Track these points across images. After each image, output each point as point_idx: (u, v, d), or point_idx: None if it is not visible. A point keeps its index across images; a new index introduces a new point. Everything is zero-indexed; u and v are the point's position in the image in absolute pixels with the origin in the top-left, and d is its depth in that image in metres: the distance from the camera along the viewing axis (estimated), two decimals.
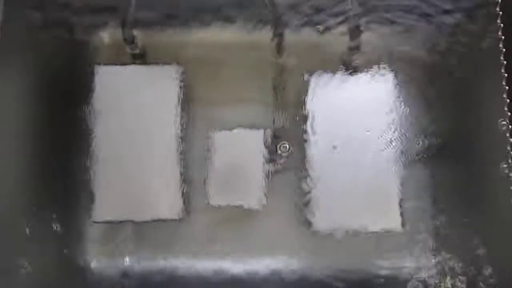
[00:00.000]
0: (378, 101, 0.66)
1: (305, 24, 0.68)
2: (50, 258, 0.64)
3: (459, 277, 0.62)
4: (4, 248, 0.58)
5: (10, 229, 0.60)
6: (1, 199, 0.59)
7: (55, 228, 0.64)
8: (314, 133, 0.66)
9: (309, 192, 0.65)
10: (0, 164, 0.59)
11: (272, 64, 0.69)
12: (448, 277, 0.63)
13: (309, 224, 0.64)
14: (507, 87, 0.59)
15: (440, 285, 0.63)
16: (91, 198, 0.64)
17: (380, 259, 0.65)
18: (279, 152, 0.67)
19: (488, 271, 0.60)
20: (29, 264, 0.60)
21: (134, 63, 0.68)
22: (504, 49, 0.60)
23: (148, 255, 0.66)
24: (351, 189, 0.64)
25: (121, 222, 0.65)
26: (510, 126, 0.58)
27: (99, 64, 0.67)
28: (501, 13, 0.61)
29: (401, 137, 0.65)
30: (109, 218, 0.64)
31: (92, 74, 0.66)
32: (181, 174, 0.65)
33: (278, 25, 0.67)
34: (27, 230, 0.61)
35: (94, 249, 0.66)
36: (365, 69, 0.66)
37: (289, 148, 0.67)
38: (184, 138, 0.66)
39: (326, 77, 0.66)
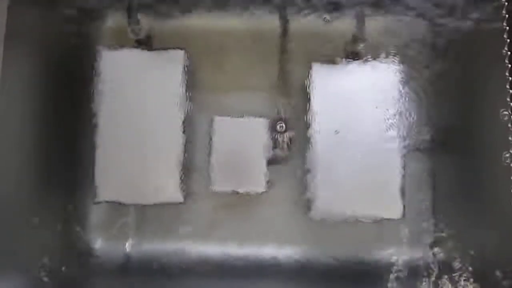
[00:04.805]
0: (381, 91, 0.66)
1: (311, 13, 0.68)
2: (54, 240, 0.64)
3: (458, 266, 0.63)
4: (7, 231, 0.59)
5: (14, 213, 0.60)
6: (5, 181, 0.59)
7: (58, 210, 0.65)
8: (317, 122, 0.65)
9: (311, 180, 0.65)
10: (5, 145, 0.60)
11: (277, 52, 0.69)
12: (446, 267, 0.63)
13: (309, 211, 0.65)
14: (510, 78, 0.59)
15: (437, 275, 0.63)
16: (94, 179, 0.64)
17: (380, 247, 0.65)
18: (282, 139, 0.67)
19: (487, 260, 0.60)
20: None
21: (138, 48, 0.68)
22: (508, 40, 0.60)
23: (150, 238, 0.66)
24: (353, 178, 0.64)
25: (123, 204, 0.65)
26: None
27: (104, 48, 0.67)
28: (506, 4, 0.61)
29: (404, 126, 0.65)
30: (111, 199, 0.64)
31: (97, 58, 0.66)
32: (184, 159, 0.65)
33: (284, 13, 0.68)
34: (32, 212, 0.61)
35: (97, 231, 0.67)
36: (369, 58, 0.66)
37: (291, 136, 0.67)
38: (188, 123, 0.66)
39: (330, 65, 0.66)
